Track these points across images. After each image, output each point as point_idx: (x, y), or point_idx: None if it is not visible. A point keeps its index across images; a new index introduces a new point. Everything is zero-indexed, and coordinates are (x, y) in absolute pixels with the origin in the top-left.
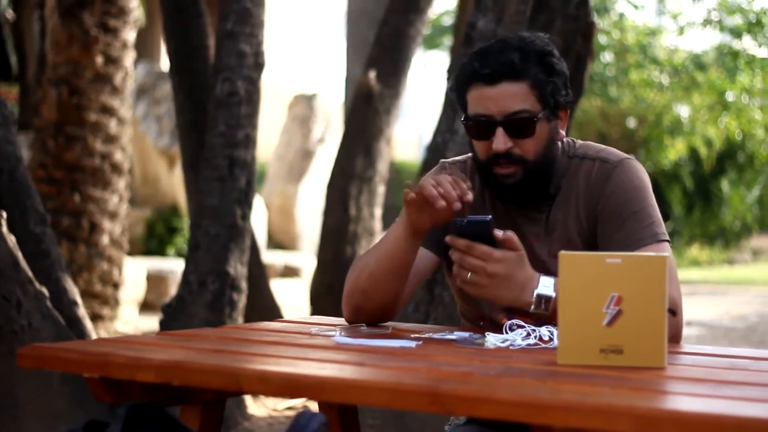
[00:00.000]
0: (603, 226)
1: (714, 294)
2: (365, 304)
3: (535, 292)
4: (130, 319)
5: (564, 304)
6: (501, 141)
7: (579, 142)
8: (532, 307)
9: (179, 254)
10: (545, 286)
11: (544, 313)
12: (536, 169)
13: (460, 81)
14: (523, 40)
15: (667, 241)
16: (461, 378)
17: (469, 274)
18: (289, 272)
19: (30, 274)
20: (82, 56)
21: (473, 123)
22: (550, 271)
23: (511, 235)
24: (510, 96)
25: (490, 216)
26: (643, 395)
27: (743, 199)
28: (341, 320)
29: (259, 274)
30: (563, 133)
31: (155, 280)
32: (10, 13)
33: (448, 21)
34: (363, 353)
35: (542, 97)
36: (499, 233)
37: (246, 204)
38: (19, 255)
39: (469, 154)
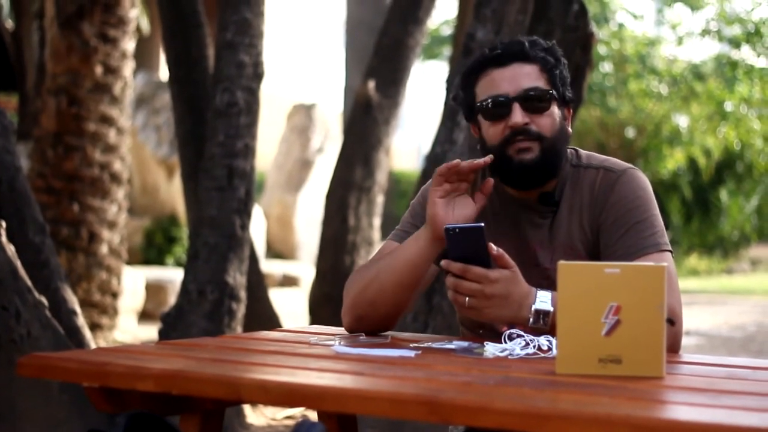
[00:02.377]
0: (606, 236)
1: (712, 303)
2: (370, 315)
3: (533, 308)
4: (129, 329)
5: (563, 313)
6: (519, 115)
7: (582, 151)
8: (530, 322)
9: (178, 264)
10: (542, 301)
11: (543, 327)
12: (552, 149)
13: (469, 74)
14: (528, 38)
15: (669, 251)
16: (460, 387)
17: (467, 299)
18: (288, 282)
19: (29, 283)
20: (82, 66)
21: (489, 104)
22: (552, 278)
23: (503, 252)
24: (522, 75)
25: (483, 223)
26: (641, 405)
27: (742, 209)
28: (340, 329)
29: (258, 283)
30: (570, 130)
31: (154, 290)
32: (9, 23)
33: (447, 31)
34: (362, 363)
35: (552, 80)
36: (492, 250)
37: (245, 214)
38: (18, 264)
39: None
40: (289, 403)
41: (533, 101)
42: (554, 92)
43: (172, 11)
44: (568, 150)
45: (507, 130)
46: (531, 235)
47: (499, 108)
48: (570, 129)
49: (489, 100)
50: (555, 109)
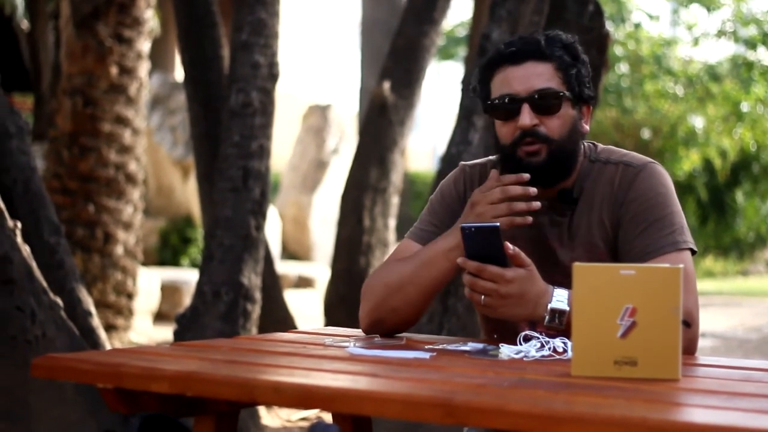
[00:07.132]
0: (625, 232)
1: (728, 305)
2: (391, 320)
3: (549, 307)
4: (144, 330)
5: (578, 315)
6: (527, 117)
7: (600, 146)
8: (546, 321)
9: (193, 265)
10: (559, 300)
11: (558, 327)
12: (560, 152)
13: (485, 69)
14: (548, 33)
15: (689, 249)
16: (475, 389)
17: (483, 297)
18: (303, 283)
19: (44, 284)
20: (97, 67)
21: (498, 103)
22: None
23: (519, 251)
24: (535, 75)
25: (498, 223)
26: (656, 407)
27: (758, 211)
28: (355, 331)
29: (273, 284)
30: (587, 128)
31: (169, 291)
32: (25, 24)
33: (462, 32)
34: (377, 364)
35: (567, 80)
36: (508, 249)
37: (260, 215)
38: (34, 265)
39: (489, 158)
40: (303, 405)
41: (544, 102)
42: (567, 93)
43: (187, 12)
44: (586, 144)
45: (517, 131)
46: (550, 233)
47: (510, 108)
48: (587, 127)
49: (499, 100)
50: (567, 110)
